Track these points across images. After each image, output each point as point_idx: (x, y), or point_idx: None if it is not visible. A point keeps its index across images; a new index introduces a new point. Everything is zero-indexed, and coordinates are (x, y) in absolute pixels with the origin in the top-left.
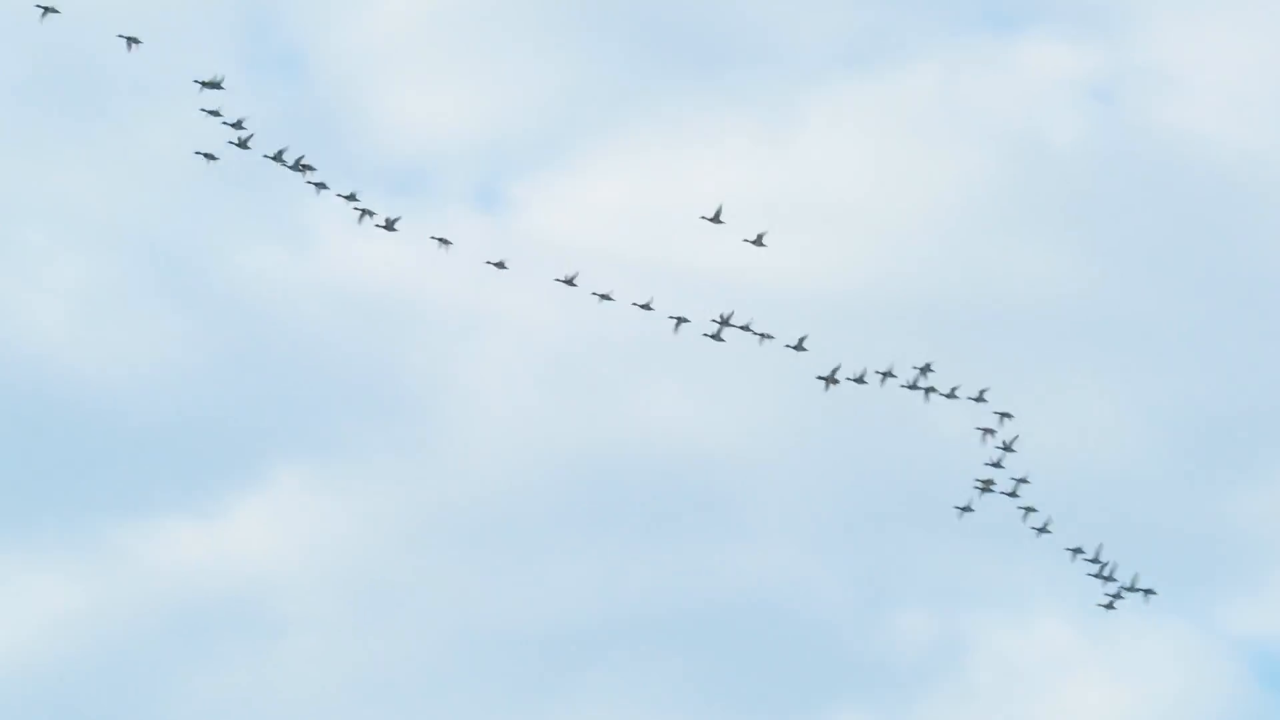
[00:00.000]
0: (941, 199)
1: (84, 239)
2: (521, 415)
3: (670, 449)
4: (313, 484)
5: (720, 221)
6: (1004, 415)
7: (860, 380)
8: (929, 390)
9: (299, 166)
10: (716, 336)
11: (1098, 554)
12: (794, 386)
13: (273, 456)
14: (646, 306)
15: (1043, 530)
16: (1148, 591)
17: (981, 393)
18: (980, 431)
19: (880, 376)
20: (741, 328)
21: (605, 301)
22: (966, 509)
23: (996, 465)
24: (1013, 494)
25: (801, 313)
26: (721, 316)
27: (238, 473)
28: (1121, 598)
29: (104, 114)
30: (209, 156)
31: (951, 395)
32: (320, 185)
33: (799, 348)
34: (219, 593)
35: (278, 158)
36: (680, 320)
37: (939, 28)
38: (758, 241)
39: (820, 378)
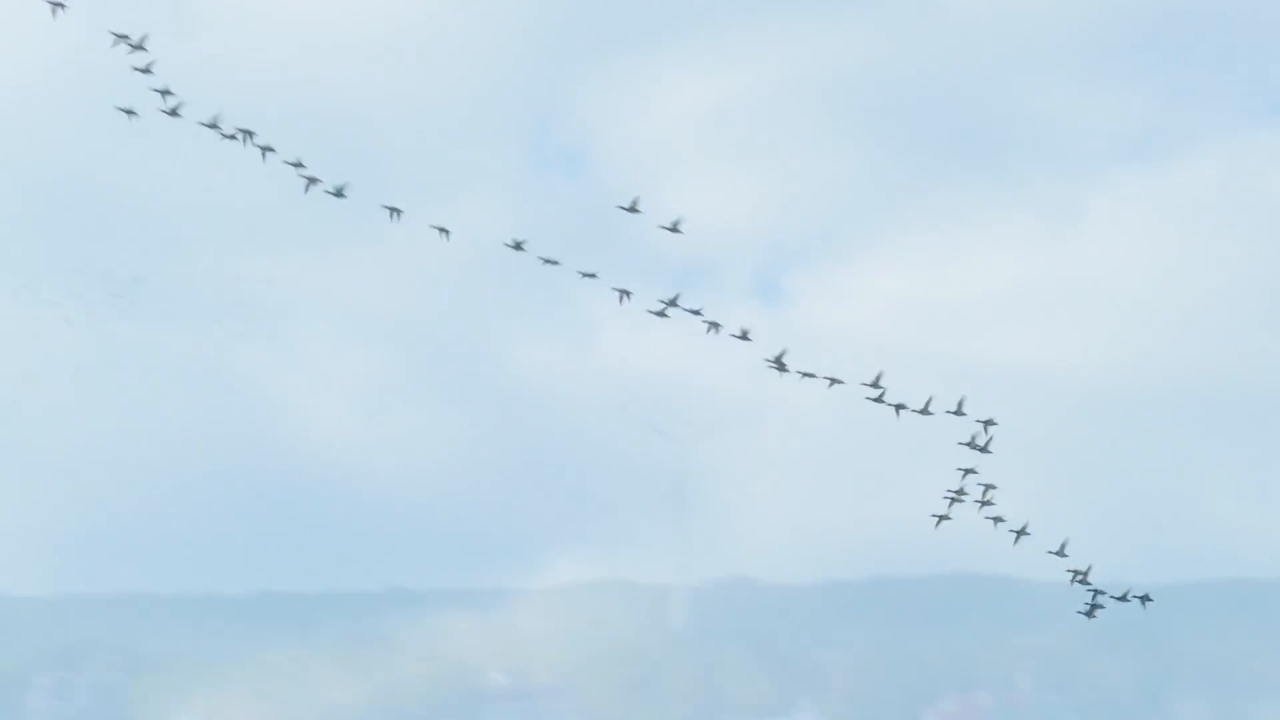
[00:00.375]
0: (1222, 288)
1: (368, 335)
2: (798, 504)
3: (941, 536)
4: (591, 572)
5: (637, 211)
6: (988, 423)
7: (809, 375)
8: (899, 406)
9: (238, 134)
10: (661, 314)
11: (1087, 573)
12: (1069, 471)
13: (552, 546)
14: (591, 275)
15: (1021, 533)
16: (1144, 599)
17: (960, 404)
18: (965, 446)
19: (829, 381)
20: (692, 312)
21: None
22: (944, 518)
23: (970, 471)
24: (986, 502)
25: (1086, 398)
26: (669, 298)
27: (518, 563)
28: (1102, 606)
29: (386, 212)
30: (129, 112)
31: (925, 411)
32: (267, 149)
33: (743, 337)
34: (498, 682)
35: (213, 125)
36: (623, 293)
37: (1220, 119)
38: (673, 228)
39: (769, 363)
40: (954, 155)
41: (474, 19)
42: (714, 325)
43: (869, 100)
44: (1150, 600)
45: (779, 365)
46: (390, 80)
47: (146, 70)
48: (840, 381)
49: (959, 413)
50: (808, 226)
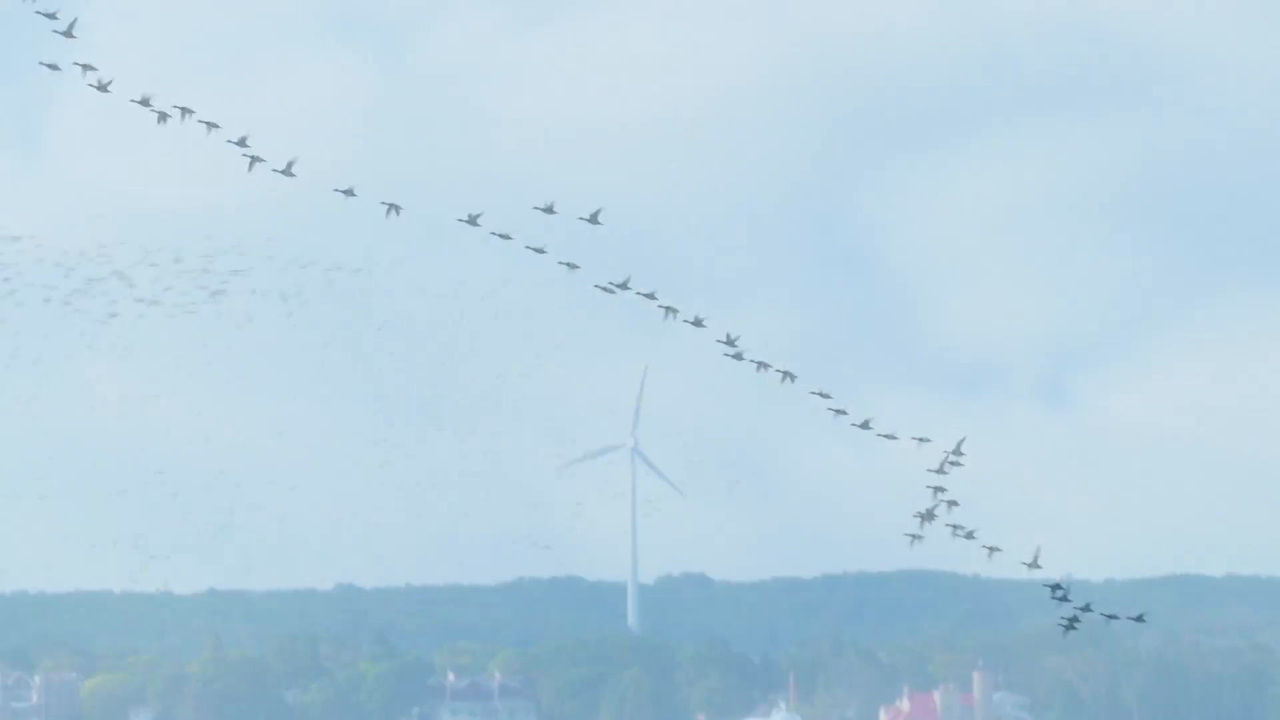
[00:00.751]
0: None
1: (661, 436)
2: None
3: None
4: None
5: (553, 212)
6: (957, 452)
7: (789, 375)
8: (864, 424)
9: (175, 111)
10: (608, 289)
11: (1064, 582)
12: None
13: (847, 653)
14: (540, 251)
15: (994, 550)
16: (1139, 618)
17: (924, 437)
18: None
19: (783, 373)
20: (646, 295)
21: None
22: (917, 537)
23: (938, 489)
24: (955, 526)
25: None
26: (620, 281)
27: (811, 676)
28: (1080, 620)
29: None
30: (53, 67)
31: (890, 436)
32: (211, 125)
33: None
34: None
35: (144, 103)
36: (570, 266)
37: None
38: (592, 219)
39: (723, 348)
40: (1241, 255)
41: (758, 123)
42: (672, 310)
43: (1154, 200)
44: (1143, 620)
45: (733, 347)
46: (673, 185)
47: (69, 34)
48: (827, 396)
49: (924, 440)
50: (1093, 327)
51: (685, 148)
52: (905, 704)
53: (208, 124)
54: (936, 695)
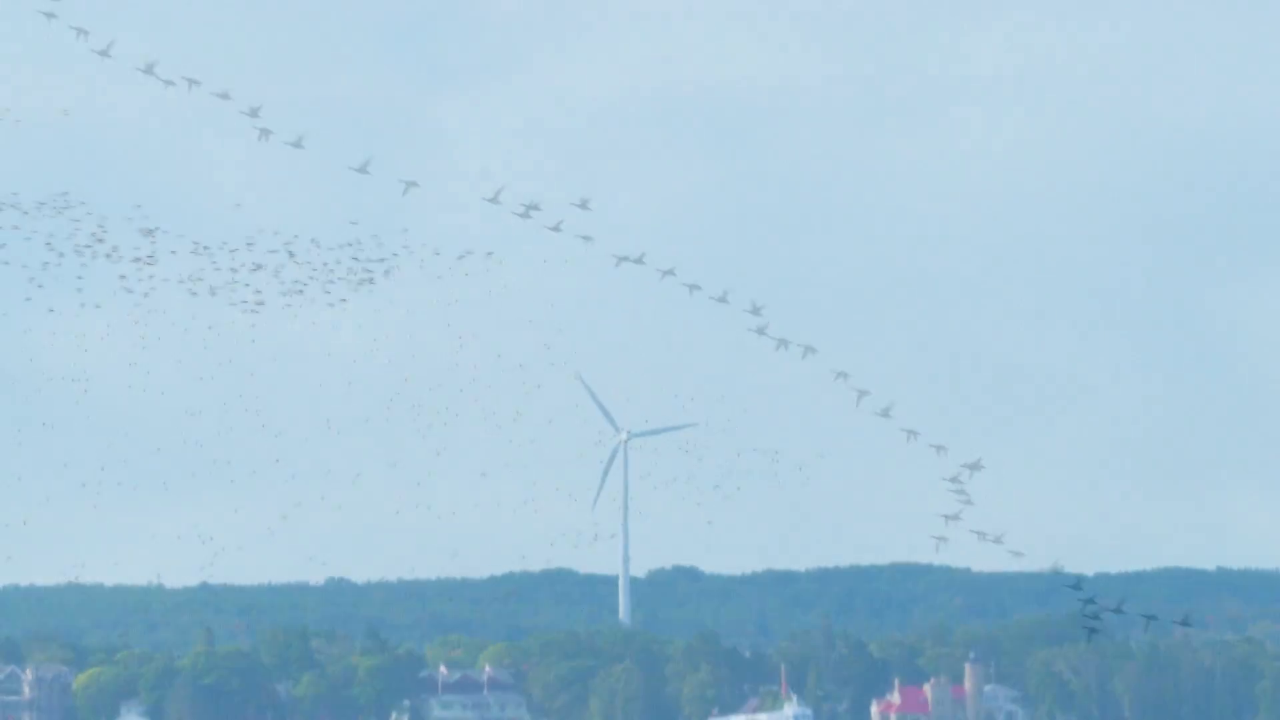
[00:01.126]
0: None
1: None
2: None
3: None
4: None
5: (539, 208)
6: (975, 465)
7: (809, 349)
8: (885, 412)
9: (181, 81)
10: (556, 229)
11: (1079, 582)
12: None
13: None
14: (494, 199)
15: (1018, 554)
16: (1149, 618)
17: (940, 446)
18: (952, 482)
19: (804, 348)
20: (691, 286)
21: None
22: (942, 539)
23: (962, 494)
24: (980, 532)
25: None
26: (668, 268)
27: None
28: (1100, 619)
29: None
30: (49, 15)
31: (912, 432)
32: (223, 96)
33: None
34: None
35: (149, 70)
36: (528, 210)
37: None
38: (582, 205)
39: (750, 319)
40: None
41: (1105, 220)
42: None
43: None
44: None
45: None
46: (1012, 277)
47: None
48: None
49: (942, 448)
50: None
51: (1027, 244)
52: (896, 697)
53: (220, 95)
54: (928, 688)
